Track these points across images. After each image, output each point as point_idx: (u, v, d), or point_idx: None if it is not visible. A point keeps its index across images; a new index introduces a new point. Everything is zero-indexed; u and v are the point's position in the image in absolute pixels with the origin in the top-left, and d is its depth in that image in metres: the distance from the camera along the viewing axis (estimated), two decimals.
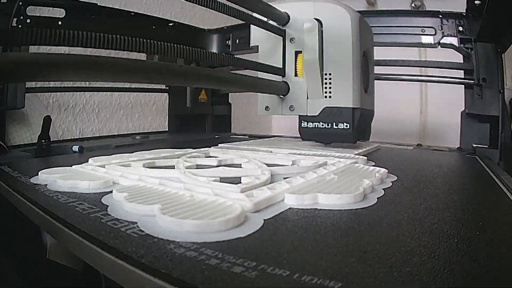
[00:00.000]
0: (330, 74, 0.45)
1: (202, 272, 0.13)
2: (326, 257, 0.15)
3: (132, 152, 0.41)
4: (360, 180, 0.27)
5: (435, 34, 0.66)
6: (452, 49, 0.65)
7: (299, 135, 0.50)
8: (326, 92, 0.45)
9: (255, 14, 0.44)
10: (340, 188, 0.24)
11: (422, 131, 1.11)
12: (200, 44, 0.82)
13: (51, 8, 0.59)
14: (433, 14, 0.66)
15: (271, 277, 0.13)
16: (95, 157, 0.35)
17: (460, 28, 0.64)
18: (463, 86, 0.64)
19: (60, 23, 0.58)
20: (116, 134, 0.78)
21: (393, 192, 0.27)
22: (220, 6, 0.37)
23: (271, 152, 0.43)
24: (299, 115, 0.47)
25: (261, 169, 0.30)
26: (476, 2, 0.57)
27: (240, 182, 0.26)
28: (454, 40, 0.65)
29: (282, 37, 0.47)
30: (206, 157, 0.39)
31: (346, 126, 0.44)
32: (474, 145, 0.60)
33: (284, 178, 0.27)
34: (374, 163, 0.38)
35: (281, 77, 0.48)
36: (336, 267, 0.14)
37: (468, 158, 0.50)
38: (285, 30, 0.47)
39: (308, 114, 0.46)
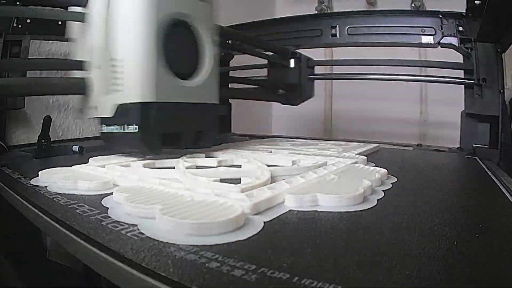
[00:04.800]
0: (120, 60, 0.33)
1: (202, 275, 0.13)
2: (326, 260, 0.15)
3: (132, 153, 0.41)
4: (360, 180, 0.27)
5: (435, 34, 0.66)
6: (452, 49, 0.65)
7: (299, 135, 0.48)
8: (117, 85, 0.33)
9: None
10: (340, 189, 0.24)
11: (422, 131, 1.11)
12: None
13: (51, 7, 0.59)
14: (433, 14, 0.66)
15: (271, 280, 0.13)
16: (95, 158, 0.35)
17: (460, 28, 0.64)
18: (463, 86, 0.64)
19: (60, 23, 0.58)
20: None
21: (392, 194, 0.27)
22: None
23: (271, 152, 0.43)
24: (100, 118, 0.36)
25: (261, 169, 0.30)
26: (476, 2, 0.57)
27: (240, 183, 0.26)
28: (454, 40, 0.65)
29: (84, 23, 0.37)
30: (206, 157, 0.39)
31: (135, 128, 0.33)
32: (474, 145, 0.60)
33: (284, 178, 0.27)
34: (374, 164, 0.38)
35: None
36: (336, 270, 0.14)
37: (468, 159, 0.50)
38: (84, 13, 0.36)
39: (102, 115, 0.35)
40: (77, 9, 0.38)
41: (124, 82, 0.33)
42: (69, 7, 0.39)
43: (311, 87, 0.75)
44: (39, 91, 0.38)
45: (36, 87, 0.36)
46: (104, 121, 0.36)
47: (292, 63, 0.71)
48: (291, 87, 0.71)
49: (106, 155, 0.38)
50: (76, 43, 0.39)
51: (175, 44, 0.34)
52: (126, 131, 0.33)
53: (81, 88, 0.36)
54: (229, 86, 0.70)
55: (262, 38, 0.81)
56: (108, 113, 0.34)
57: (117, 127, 0.34)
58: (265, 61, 0.71)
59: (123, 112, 0.33)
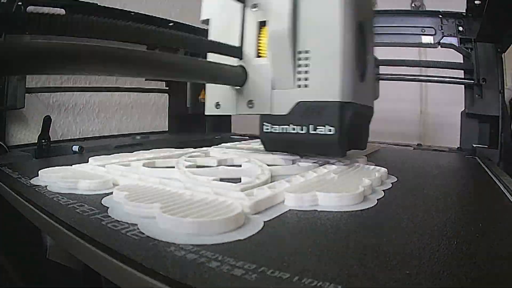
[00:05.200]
0: (307, 52, 0.30)
1: (202, 274, 0.13)
2: (326, 259, 0.15)
3: (132, 152, 0.41)
4: (360, 180, 0.27)
5: (435, 34, 0.66)
6: (452, 49, 0.65)
7: None
8: (300, 80, 0.30)
9: None
10: (340, 188, 0.24)
11: (422, 131, 1.11)
12: None
13: (51, 7, 0.59)
14: (433, 14, 0.66)
15: (271, 280, 0.13)
16: (95, 157, 0.35)
17: (460, 28, 0.64)
18: (463, 86, 0.64)
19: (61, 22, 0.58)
20: (116, 134, 0.78)
21: (393, 193, 0.27)
22: None
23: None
24: (261, 115, 0.33)
25: (261, 169, 0.30)
26: (476, 2, 0.57)
27: (240, 182, 0.26)
28: (454, 40, 0.65)
29: (241, 4, 0.33)
30: (206, 156, 0.39)
31: (330, 130, 0.29)
32: (474, 145, 0.60)
33: (284, 178, 0.27)
34: (374, 164, 0.38)
35: (238, 60, 0.33)
36: (336, 270, 0.14)
37: (468, 159, 0.50)
38: None
39: (273, 113, 0.32)
40: None
41: (311, 77, 0.30)
42: None
43: (377, 88, 0.70)
44: (194, 76, 0.31)
45: (192, 70, 0.29)
46: (270, 119, 0.32)
47: None
48: None
49: (106, 155, 0.38)
50: (215, 24, 0.35)
51: (359, 45, 0.32)
52: (316, 132, 0.30)
53: (241, 77, 0.32)
54: None
55: None
56: (281, 110, 0.31)
57: (296, 127, 0.31)
58: None
59: (308, 111, 0.30)
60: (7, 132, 0.57)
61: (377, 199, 0.24)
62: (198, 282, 0.13)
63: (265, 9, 0.32)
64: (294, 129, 0.31)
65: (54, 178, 0.28)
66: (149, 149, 0.44)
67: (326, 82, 0.29)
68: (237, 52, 0.33)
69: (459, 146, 0.62)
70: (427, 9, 0.93)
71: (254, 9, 0.33)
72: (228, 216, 0.18)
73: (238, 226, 0.18)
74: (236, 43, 0.33)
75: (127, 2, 0.75)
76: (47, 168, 0.31)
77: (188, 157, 0.37)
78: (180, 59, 0.30)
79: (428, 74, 0.73)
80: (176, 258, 0.15)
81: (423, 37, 0.67)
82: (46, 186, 0.27)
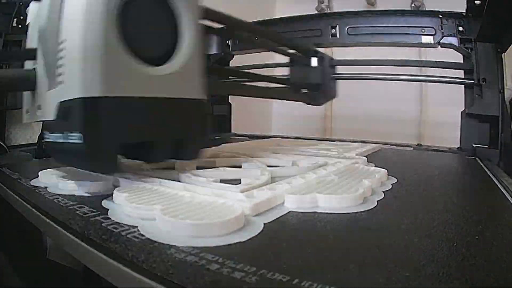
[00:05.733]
0: (64, 41, 0.23)
1: (202, 277, 0.13)
2: (326, 262, 0.15)
3: None
4: (360, 181, 0.27)
5: (435, 34, 0.66)
6: (452, 49, 0.65)
7: (299, 136, 0.47)
8: (59, 75, 0.23)
9: None
10: (340, 190, 0.24)
11: (422, 131, 1.11)
12: None
13: None
14: (433, 14, 0.66)
15: (271, 282, 0.13)
16: None
17: (460, 28, 0.64)
18: (463, 86, 0.64)
19: None
20: None
21: (393, 195, 0.27)
22: None
23: (271, 152, 0.43)
24: (44, 122, 0.28)
25: (261, 170, 0.30)
26: (476, 2, 0.57)
27: (240, 183, 0.26)
28: (454, 40, 0.65)
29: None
30: (206, 157, 0.39)
31: (79, 137, 0.22)
32: (474, 145, 0.60)
33: (284, 179, 0.27)
34: (374, 165, 0.38)
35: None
36: (336, 272, 0.14)
37: (468, 159, 0.50)
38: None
39: (43, 118, 0.26)
40: None
41: (67, 70, 0.23)
42: None
43: (334, 88, 0.69)
44: None
45: None
46: (47, 126, 0.26)
47: (314, 62, 0.69)
48: (314, 87, 0.70)
49: None
50: (30, 27, 0.30)
51: (140, 16, 0.24)
52: (69, 141, 0.23)
53: (29, 81, 0.27)
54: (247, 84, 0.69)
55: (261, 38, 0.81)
56: (50, 115, 0.24)
57: (58, 135, 0.24)
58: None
59: (65, 114, 0.23)
60: (7, 132, 0.57)
61: (377, 201, 0.24)
62: (199, 285, 0.13)
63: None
64: (58, 136, 0.24)
65: (54, 179, 0.28)
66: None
67: (76, 74, 0.22)
68: (31, 54, 0.28)
69: (459, 146, 0.62)
70: (427, 9, 0.93)
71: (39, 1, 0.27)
72: (228, 218, 0.18)
73: (238, 228, 0.18)
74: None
75: None
76: (47, 169, 0.31)
77: None
78: None
79: (428, 74, 0.73)
80: (176, 261, 0.15)
81: (423, 37, 0.67)
82: (46, 188, 0.27)
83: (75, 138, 0.22)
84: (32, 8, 0.30)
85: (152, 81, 0.24)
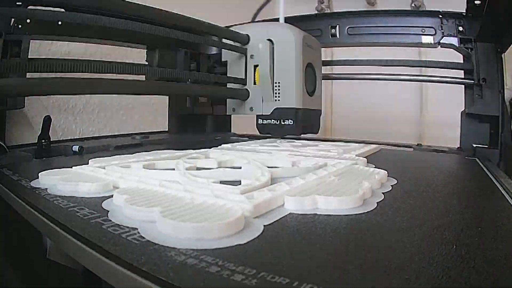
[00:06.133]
0: (279, 82, 0.59)
1: (202, 280, 0.13)
2: (326, 264, 0.15)
3: (132, 153, 0.41)
4: (360, 182, 0.27)
5: (435, 34, 0.66)
6: (452, 49, 0.65)
7: (299, 136, 0.53)
8: (276, 96, 0.60)
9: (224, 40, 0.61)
10: (340, 191, 0.24)
11: (422, 131, 1.11)
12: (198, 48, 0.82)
13: (51, 8, 0.58)
14: (433, 14, 0.66)
15: (271, 285, 0.13)
16: (95, 158, 0.35)
17: (460, 28, 0.64)
18: (463, 86, 0.64)
19: (60, 23, 0.58)
20: (116, 134, 0.78)
21: (392, 196, 0.27)
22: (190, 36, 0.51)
23: (271, 153, 0.43)
24: (257, 115, 0.61)
25: (261, 171, 0.30)
26: (476, 2, 0.57)
27: (240, 184, 0.26)
28: (454, 40, 0.65)
29: (244, 55, 0.61)
30: (206, 158, 0.39)
31: (291, 122, 0.59)
32: (474, 145, 0.60)
33: (284, 180, 0.27)
34: (374, 165, 0.38)
35: (242, 85, 0.62)
36: (336, 275, 0.14)
37: (468, 160, 0.50)
38: (246, 48, 0.61)
39: (263, 113, 0.61)
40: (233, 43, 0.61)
41: (281, 95, 0.60)
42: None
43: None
44: (217, 95, 0.69)
45: (216, 92, 0.63)
46: (262, 117, 0.61)
47: None
48: None
49: (106, 156, 0.38)
50: (232, 65, 0.64)
51: (307, 75, 0.62)
52: (284, 123, 0.59)
53: (245, 95, 0.61)
54: None
55: None
56: (267, 112, 0.60)
57: (274, 120, 0.60)
58: None
59: (280, 112, 0.60)
60: (7, 132, 0.57)
61: (377, 202, 0.24)
62: (198, 287, 0.13)
63: (257, 58, 0.61)
64: (273, 121, 0.61)
65: (54, 181, 0.28)
66: (149, 150, 0.44)
67: (288, 97, 0.60)
68: (243, 81, 0.62)
69: (459, 146, 0.63)
70: (427, 9, 0.93)
71: (251, 58, 0.61)
72: (228, 220, 0.18)
73: (238, 230, 0.18)
74: (242, 76, 0.63)
75: None
76: (47, 170, 0.31)
77: (188, 158, 0.37)
78: (214, 88, 0.63)
79: (428, 74, 0.73)
80: (176, 263, 0.15)
81: (423, 37, 0.67)
82: (46, 189, 0.27)
83: (288, 122, 0.60)
84: (230, 55, 0.64)
85: (310, 101, 0.63)
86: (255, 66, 0.61)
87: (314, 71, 0.65)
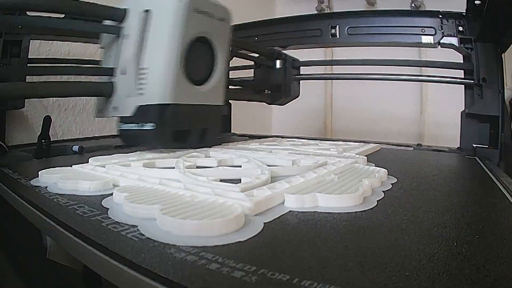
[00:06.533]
0: (146, 68, 0.39)
1: (202, 277, 0.13)
2: (326, 261, 0.15)
3: (132, 152, 0.41)
4: (360, 181, 0.27)
5: (435, 34, 0.66)
6: (452, 49, 0.65)
7: (299, 135, 0.49)
8: (140, 88, 0.39)
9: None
10: (340, 189, 0.24)
11: (422, 131, 1.11)
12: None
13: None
14: (433, 14, 0.66)
15: (271, 282, 0.13)
16: (95, 157, 0.35)
17: (460, 28, 0.64)
18: (463, 86, 0.64)
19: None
20: (116, 134, 0.78)
21: (392, 194, 0.27)
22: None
23: (271, 152, 0.43)
24: (119, 117, 0.42)
25: (261, 169, 0.30)
26: (476, 2, 0.57)
27: (240, 182, 0.26)
28: (454, 40, 0.65)
29: (117, 35, 0.42)
30: (206, 157, 0.39)
31: (152, 126, 0.38)
32: (474, 145, 0.60)
33: (284, 178, 0.27)
34: (374, 164, 0.38)
35: (110, 76, 0.42)
36: (336, 272, 0.14)
37: (468, 159, 0.50)
38: (120, 28, 0.42)
39: (124, 114, 0.40)
40: (109, 22, 0.43)
41: (146, 87, 0.38)
42: (103, 21, 0.44)
43: (296, 88, 0.76)
44: (69, 93, 0.43)
45: (67, 89, 0.41)
46: (124, 119, 0.41)
47: (277, 64, 0.72)
48: (276, 87, 0.73)
49: (106, 155, 0.38)
50: (105, 51, 0.44)
51: (195, 56, 0.40)
52: (144, 128, 0.38)
53: (108, 91, 0.42)
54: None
55: (261, 38, 0.81)
56: (128, 113, 0.39)
57: (135, 125, 0.39)
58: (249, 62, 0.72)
59: (142, 112, 0.38)
60: (7, 132, 0.57)
61: (377, 200, 0.24)
62: (198, 284, 0.13)
63: (128, 39, 0.41)
64: (134, 126, 0.40)
65: (54, 179, 0.28)
66: (148, 149, 0.44)
67: (154, 89, 0.38)
68: (109, 71, 0.42)
69: (459, 146, 0.63)
70: (427, 9, 0.94)
71: (126, 39, 0.41)
72: (228, 217, 0.18)
73: (238, 227, 0.18)
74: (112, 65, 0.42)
75: None
76: (47, 169, 0.31)
77: (188, 157, 0.37)
78: (64, 84, 0.42)
79: (428, 74, 0.73)
80: (176, 260, 0.15)
81: (423, 37, 0.67)
82: (46, 187, 0.27)
83: (149, 126, 0.38)
84: (106, 38, 0.44)
85: (195, 94, 0.41)
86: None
87: (212, 50, 0.43)
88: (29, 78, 0.49)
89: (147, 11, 0.39)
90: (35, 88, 0.38)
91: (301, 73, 0.77)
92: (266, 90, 0.73)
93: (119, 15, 0.42)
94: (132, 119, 0.39)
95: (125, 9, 0.41)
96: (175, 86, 0.38)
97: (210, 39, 0.43)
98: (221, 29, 0.44)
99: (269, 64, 0.72)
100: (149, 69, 0.38)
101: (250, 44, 0.72)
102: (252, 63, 0.72)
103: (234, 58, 0.69)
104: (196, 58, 0.41)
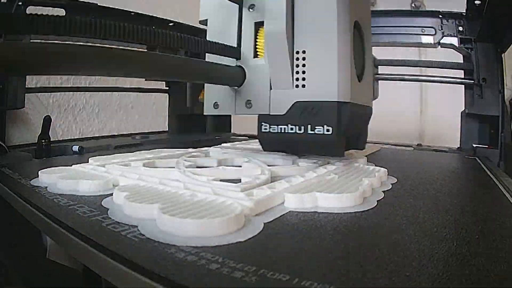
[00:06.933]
0: (304, 52, 0.30)
1: (202, 277, 0.13)
2: (326, 261, 0.15)
3: (132, 152, 0.41)
4: (360, 180, 0.27)
5: (435, 34, 0.66)
6: (452, 49, 0.65)
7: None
8: (298, 80, 0.30)
9: None
10: (340, 189, 0.24)
11: (422, 131, 1.11)
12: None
13: (51, 8, 0.59)
14: (433, 14, 0.66)
15: (271, 282, 0.13)
16: (95, 157, 0.35)
17: (460, 28, 0.64)
18: (463, 86, 0.64)
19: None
20: (116, 134, 0.78)
21: (393, 194, 0.27)
22: None
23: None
24: (260, 115, 0.33)
25: (261, 169, 0.30)
26: (476, 2, 0.57)
27: (240, 182, 0.26)
28: (454, 40, 0.65)
29: (238, 5, 0.33)
30: (206, 156, 0.39)
31: (328, 130, 0.29)
32: (474, 145, 0.60)
33: (284, 178, 0.27)
34: (374, 164, 0.38)
35: (235, 60, 0.34)
36: (336, 272, 0.14)
37: (468, 159, 0.50)
38: None
39: (271, 113, 0.32)
40: None
41: (308, 77, 0.30)
42: None
43: (377, 88, 0.69)
44: (192, 76, 0.33)
45: (192, 68, 0.30)
46: (268, 119, 0.32)
47: None
48: None
49: (106, 155, 0.38)
50: (213, 24, 0.35)
51: (355, 45, 0.32)
52: (314, 132, 0.30)
53: (239, 78, 0.32)
54: None
55: None
56: (279, 110, 0.31)
57: (293, 127, 0.31)
58: None
59: (305, 111, 0.30)
60: (7, 132, 0.57)
61: (377, 200, 0.24)
62: (198, 284, 0.13)
63: (261, 10, 0.32)
64: (292, 129, 0.31)
65: (54, 179, 0.28)
66: (149, 149, 0.44)
67: (323, 82, 0.30)
68: (235, 52, 0.33)
69: (459, 146, 0.63)
70: (427, 9, 0.93)
71: (251, 10, 0.33)
72: (228, 217, 0.18)
73: (239, 227, 0.18)
74: (234, 43, 0.33)
75: (128, 2, 0.75)
76: (47, 169, 0.31)
77: (188, 157, 0.37)
78: (177, 60, 0.30)
79: (428, 74, 0.73)
80: (176, 260, 0.15)
81: (423, 37, 0.67)
82: (46, 187, 0.27)
83: (323, 130, 0.29)
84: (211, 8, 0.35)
85: (360, 91, 0.33)
86: (258, 25, 0.33)
87: (361, 38, 0.35)
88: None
89: None
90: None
91: None
92: None
93: None
94: (287, 118, 0.31)
95: None
96: (349, 80, 0.30)
97: (362, 24, 0.34)
98: (368, 13, 0.37)
99: None
100: (308, 53, 0.30)
101: None
102: None
103: None
104: (355, 47, 0.32)
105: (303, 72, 0.30)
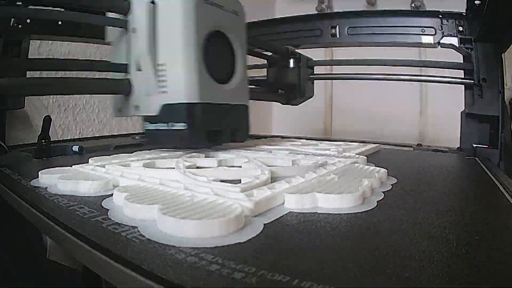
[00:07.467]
0: (164, 64, 0.37)
1: (202, 278, 0.13)
2: (326, 262, 0.15)
3: (132, 152, 0.41)
4: (360, 181, 0.27)
5: (435, 34, 0.66)
6: (452, 49, 0.65)
7: (299, 135, 0.48)
8: (162, 87, 0.37)
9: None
10: (339, 189, 0.24)
11: (422, 131, 1.11)
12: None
13: (51, 8, 0.59)
14: (433, 14, 0.66)
15: (271, 283, 0.13)
16: (95, 157, 0.35)
17: (460, 28, 0.64)
18: (463, 86, 0.64)
19: (60, 23, 0.58)
20: (116, 134, 0.78)
21: (392, 195, 0.27)
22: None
23: (271, 152, 0.43)
24: (143, 116, 0.40)
25: (261, 169, 0.30)
26: (476, 2, 0.57)
27: (240, 182, 0.26)
28: (454, 40, 0.65)
29: (125, 29, 0.40)
30: (206, 157, 0.39)
31: (184, 126, 0.36)
32: (474, 145, 0.60)
33: (284, 178, 0.27)
34: (374, 164, 0.38)
35: (125, 73, 0.40)
36: (336, 273, 0.14)
37: (468, 159, 0.50)
38: (126, 20, 0.39)
39: (150, 114, 0.39)
40: (114, 15, 0.41)
41: (168, 84, 0.37)
42: (107, 13, 0.42)
43: (311, 88, 0.74)
44: (84, 90, 0.43)
45: (82, 87, 0.40)
46: (148, 119, 0.39)
47: (291, 63, 0.71)
48: (290, 87, 0.71)
49: (106, 155, 0.38)
50: (114, 46, 0.42)
51: (214, 53, 0.39)
52: (174, 128, 0.37)
53: (126, 88, 0.40)
54: None
55: (262, 38, 0.81)
56: (152, 112, 0.38)
57: (163, 124, 0.38)
58: (262, 61, 0.71)
59: (169, 111, 0.37)
60: (7, 132, 0.57)
61: (377, 201, 0.24)
62: (198, 285, 0.13)
63: (137, 33, 0.39)
64: (162, 126, 0.38)
65: (54, 180, 0.28)
66: (149, 150, 0.44)
67: (177, 87, 0.36)
68: (122, 68, 0.40)
69: (459, 146, 0.62)
70: (427, 9, 0.93)
71: (134, 33, 0.39)
72: (228, 218, 0.18)
73: (238, 228, 0.18)
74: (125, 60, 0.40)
75: None
76: (47, 169, 0.31)
77: (188, 157, 0.37)
78: (79, 81, 0.41)
79: (428, 74, 0.73)
80: (176, 261, 0.15)
81: (423, 37, 0.67)
82: (46, 188, 0.27)
83: (180, 126, 0.36)
84: (113, 33, 0.42)
85: (222, 93, 0.40)
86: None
87: (230, 46, 0.42)
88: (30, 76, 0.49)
89: (153, 2, 0.37)
90: (48, 84, 0.37)
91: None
92: (280, 90, 0.71)
93: (123, 7, 0.39)
94: (158, 118, 0.38)
95: (128, 0, 0.39)
96: (200, 85, 0.37)
97: (227, 34, 0.41)
98: (236, 23, 0.43)
99: (283, 63, 0.70)
100: (167, 65, 0.37)
101: (263, 42, 0.71)
102: (263, 61, 0.71)
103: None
104: (216, 55, 0.39)
105: (164, 81, 0.37)
